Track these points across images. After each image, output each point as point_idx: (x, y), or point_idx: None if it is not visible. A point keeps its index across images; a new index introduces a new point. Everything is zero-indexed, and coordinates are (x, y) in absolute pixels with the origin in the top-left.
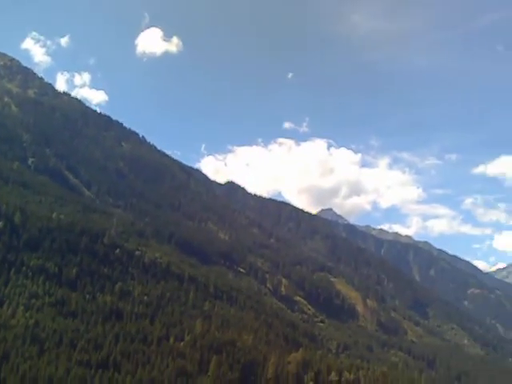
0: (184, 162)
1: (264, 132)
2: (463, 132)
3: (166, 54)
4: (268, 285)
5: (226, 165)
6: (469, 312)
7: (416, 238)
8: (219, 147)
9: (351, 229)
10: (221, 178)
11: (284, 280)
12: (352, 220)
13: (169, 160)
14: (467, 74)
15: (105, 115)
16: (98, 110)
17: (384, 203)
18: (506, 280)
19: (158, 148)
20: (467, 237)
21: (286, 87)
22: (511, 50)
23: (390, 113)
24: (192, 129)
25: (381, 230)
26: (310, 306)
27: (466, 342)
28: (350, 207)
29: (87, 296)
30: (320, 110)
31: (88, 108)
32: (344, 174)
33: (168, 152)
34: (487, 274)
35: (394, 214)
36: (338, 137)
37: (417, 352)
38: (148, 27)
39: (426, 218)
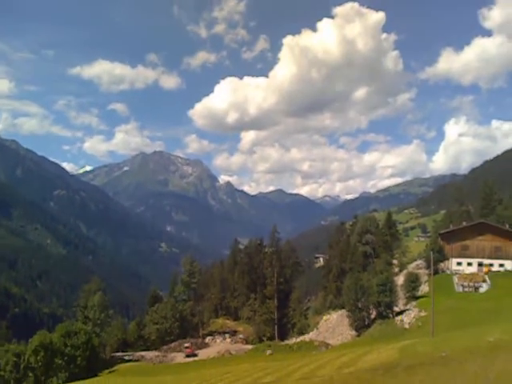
0: None
1: None
2: (62, 28)
3: None
4: None
5: None
6: (54, 212)
7: (3, 136)
8: None
9: None
10: None
11: None
12: None
13: None
14: None
15: None
16: None
17: None
18: (92, 182)
19: None
20: (58, 138)
21: None
22: None
23: None
24: None
25: None
26: None
27: (49, 241)
28: None
29: None
30: None
31: None
32: None
33: None
34: (74, 176)
35: None
36: None
37: None
38: None
39: (15, 114)
